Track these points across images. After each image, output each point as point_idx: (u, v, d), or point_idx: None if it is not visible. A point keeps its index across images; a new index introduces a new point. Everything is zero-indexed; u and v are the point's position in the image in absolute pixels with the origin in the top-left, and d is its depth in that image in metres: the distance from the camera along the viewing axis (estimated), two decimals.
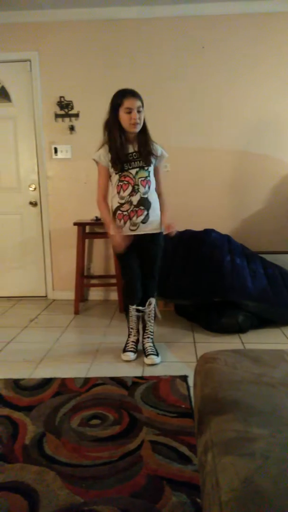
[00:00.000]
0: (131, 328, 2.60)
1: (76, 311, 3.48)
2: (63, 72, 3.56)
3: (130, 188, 2.33)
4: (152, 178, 2.39)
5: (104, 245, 3.82)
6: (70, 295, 3.68)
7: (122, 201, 2.36)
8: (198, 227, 3.39)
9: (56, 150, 3.66)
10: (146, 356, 2.48)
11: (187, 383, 2.16)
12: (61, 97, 3.57)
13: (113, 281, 3.63)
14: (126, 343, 2.59)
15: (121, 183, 2.33)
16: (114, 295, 3.80)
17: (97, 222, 3.53)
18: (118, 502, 1.36)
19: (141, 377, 2.25)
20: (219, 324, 2.92)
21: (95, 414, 1.89)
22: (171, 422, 1.81)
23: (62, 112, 3.60)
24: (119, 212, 2.38)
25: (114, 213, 2.40)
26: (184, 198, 3.67)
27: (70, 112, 3.60)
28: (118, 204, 2.37)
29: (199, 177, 3.66)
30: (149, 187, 2.36)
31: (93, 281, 3.84)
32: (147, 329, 2.58)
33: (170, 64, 3.49)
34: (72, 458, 1.58)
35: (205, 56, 3.46)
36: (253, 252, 3.33)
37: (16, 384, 2.19)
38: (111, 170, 2.35)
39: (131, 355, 2.52)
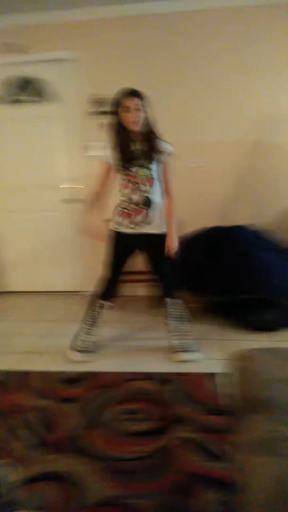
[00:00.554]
0: (88, 325, 2.57)
1: (110, 306, 3.52)
2: (97, 70, 3.59)
3: (131, 186, 2.34)
4: (156, 176, 2.36)
5: None
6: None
7: (123, 199, 2.37)
8: (229, 222, 3.36)
9: (90, 148, 3.71)
10: (176, 353, 2.50)
11: (217, 381, 2.16)
12: (95, 94, 3.60)
13: (144, 277, 3.65)
14: (75, 341, 2.56)
15: (124, 181, 2.35)
16: (143, 291, 3.83)
17: None
18: (152, 496, 1.39)
19: (172, 374, 2.28)
20: (250, 322, 2.90)
21: (129, 409, 1.93)
22: (202, 419, 1.83)
23: (97, 110, 3.64)
24: (119, 209, 2.39)
25: (115, 209, 2.43)
26: (215, 193, 3.65)
27: (104, 110, 3.63)
28: (120, 201, 2.40)
29: (232, 172, 3.62)
30: (151, 186, 2.34)
31: (124, 277, 3.87)
32: (171, 327, 2.58)
33: (207, 60, 3.46)
34: (107, 452, 1.63)
35: (243, 49, 3.41)
36: (285, 248, 3.27)
37: (55, 377, 2.27)
38: (116, 168, 2.36)
39: (79, 356, 2.51)
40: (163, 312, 2.59)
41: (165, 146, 2.38)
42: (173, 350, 2.52)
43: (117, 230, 2.41)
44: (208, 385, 2.13)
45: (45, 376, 2.29)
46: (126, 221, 2.37)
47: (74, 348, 2.54)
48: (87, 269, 4.01)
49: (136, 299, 3.82)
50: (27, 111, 3.79)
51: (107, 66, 3.58)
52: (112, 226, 2.44)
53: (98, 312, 2.55)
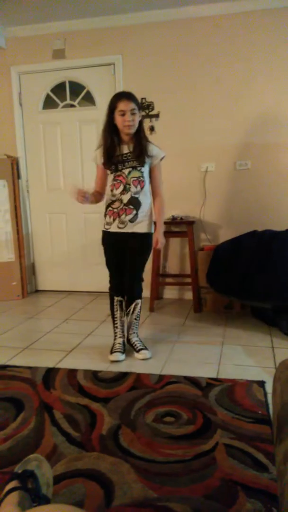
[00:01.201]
0: (117, 327, 2.62)
1: (151, 309, 3.54)
2: (144, 74, 3.63)
3: (121, 187, 2.39)
4: (146, 179, 2.41)
5: (180, 244, 3.83)
6: (146, 292, 3.73)
7: (113, 199, 2.43)
8: (280, 227, 3.26)
9: None
10: (138, 351, 2.54)
11: (264, 389, 2.09)
12: (142, 98, 3.64)
13: (188, 280, 3.62)
14: (114, 345, 2.60)
15: (114, 182, 2.41)
16: (188, 294, 3.79)
17: (174, 221, 3.56)
18: (191, 501, 1.36)
19: (216, 379, 2.23)
20: None
21: (169, 412, 1.91)
22: (247, 427, 1.77)
23: (143, 113, 3.65)
24: (109, 209, 2.46)
25: (106, 209, 2.49)
26: (265, 196, 3.55)
27: (151, 113, 3.66)
28: (110, 201, 2.45)
29: (280, 174, 3.51)
30: (141, 188, 2.40)
31: (168, 280, 3.87)
32: (133, 326, 2.63)
33: (254, 59, 3.39)
34: (146, 453, 1.61)
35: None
36: None
37: (94, 376, 2.29)
38: (106, 168, 2.43)
39: (120, 356, 2.52)
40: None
41: (156, 150, 2.44)
42: (136, 348, 2.56)
43: (108, 230, 2.48)
44: (255, 393, 2.06)
45: (87, 374, 2.31)
46: (116, 221, 2.43)
47: (111, 351, 2.58)
48: None
49: (179, 302, 3.79)
50: (73, 115, 3.90)
51: (154, 70, 3.60)
52: (103, 227, 2.52)
53: (117, 308, 2.61)
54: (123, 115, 2.29)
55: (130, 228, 2.43)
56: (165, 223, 3.61)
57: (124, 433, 1.75)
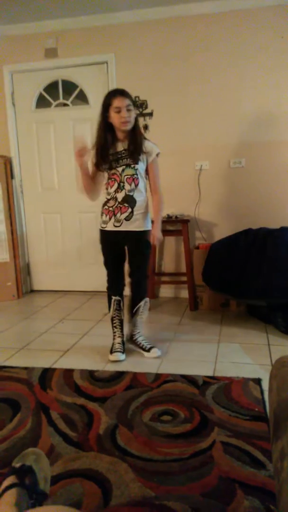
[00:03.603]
0: (116, 326, 2.60)
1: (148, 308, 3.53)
2: (138, 72, 3.62)
3: (116, 185, 2.38)
4: (140, 176, 2.39)
5: (175, 242, 3.83)
6: None
7: (109, 197, 2.43)
8: (274, 224, 3.27)
9: None
10: (148, 350, 2.53)
11: (261, 387, 2.09)
12: (136, 97, 3.63)
13: (184, 278, 3.63)
14: (113, 345, 2.58)
15: (109, 180, 2.40)
16: (184, 293, 3.80)
17: (169, 220, 3.55)
18: (189, 500, 1.36)
19: (212, 377, 2.23)
20: None
21: (166, 410, 1.91)
22: (244, 424, 1.77)
23: (137, 112, 3.64)
24: (105, 207, 2.45)
25: (102, 208, 2.48)
26: (259, 194, 3.55)
27: (145, 112, 3.65)
28: (105, 200, 2.45)
29: (274, 172, 3.52)
30: (136, 185, 2.38)
31: (164, 279, 3.87)
32: (138, 326, 2.61)
33: (247, 58, 3.39)
34: (144, 452, 1.61)
35: (283, 46, 3.32)
36: None
37: (91, 375, 2.29)
38: (102, 167, 2.40)
39: (121, 356, 2.51)
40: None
41: (150, 146, 2.41)
42: (145, 348, 2.55)
43: (104, 229, 2.47)
44: (252, 391, 2.06)
45: (83, 374, 2.30)
46: (112, 219, 2.42)
47: (111, 351, 2.56)
48: None
49: (176, 301, 3.79)
50: (66, 114, 3.88)
51: (147, 68, 3.59)
52: (100, 225, 2.51)
53: (116, 308, 2.59)
54: (118, 111, 2.26)
55: (126, 227, 2.42)
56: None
57: (121, 433, 1.74)
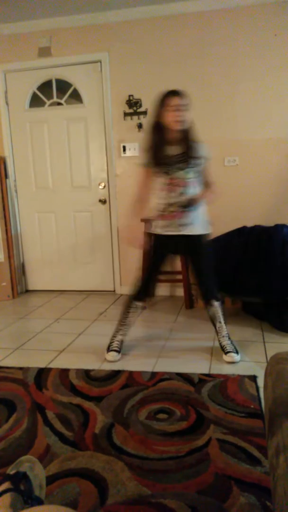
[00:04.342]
0: (124, 325, 2.56)
1: (143, 306, 3.52)
2: (132, 71, 3.61)
3: (173, 189, 2.31)
4: (196, 179, 2.34)
5: None
6: None
7: (162, 201, 2.35)
8: (269, 222, 3.27)
9: (124, 148, 3.73)
10: (226, 353, 2.42)
11: (256, 384, 2.10)
12: (130, 95, 3.62)
13: (179, 277, 3.63)
14: (112, 342, 2.54)
15: (165, 184, 2.32)
16: (180, 291, 3.80)
17: None
18: (185, 497, 1.36)
19: (208, 375, 2.23)
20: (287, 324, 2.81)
21: (162, 409, 1.91)
22: (239, 421, 1.78)
23: (131, 111, 3.65)
24: (161, 212, 2.37)
25: (154, 213, 2.41)
26: (254, 192, 3.56)
27: (139, 110, 3.64)
28: (160, 205, 2.37)
29: (268, 170, 3.53)
30: (190, 188, 2.32)
31: (159, 277, 3.86)
32: (220, 328, 2.52)
33: (241, 56, 3.40)
34: (140, 450, 1.61)
35: (277, 44, 3.32)
36: None
37: (86, 375, 2.28)
38: (155, 171, 2.34)
39: (117, 356, 2.49)
40: (208, 312, 2.53)
41: (203, 148, 2.36)
42: (224, 350, 2.44)
43: (156, 232, 2.41)
44: (247, 388, 2.07)
45: (79, 373, 2.30)
46: (165, 224, 2.37)
47: (109, 348, 2.54)
48: (109, 269, 4.04)
49: (171, 299, 3.79)
50: (60, 113, 3.87)
51: (141, 67, 3.58)
52: (150, 229, 2.44)
53: (133, 313, 2.55)
54: (173, 111, 2.22)
55: (184, 231, 2.36)
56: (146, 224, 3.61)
57: (117, 431, 1.74)
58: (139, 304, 2.53)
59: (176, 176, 2.30)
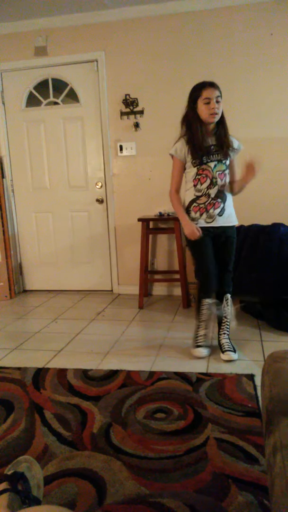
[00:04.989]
0: (202, 320, 2.52)
1: (141, 306, 3.53)
2: (128, 70, 3.61)
3: (208, 181, 2.33)
4: (228, 171, 2.37)
5: (168, 240, 3.83)
6: (135, 289, 3.75)
7: (199, 194, 2.36)
8: (266, 221, 3.28)
9: (121, 148, 3.73)
10: (223, 352, 2.43)
11: (254, 382, 2.10)
12: (126, 95, 3.62)
13: (177, 276, 3.63)
14: (197, 338, 2.52)
15: (199, 176, 2.34)
16: (177, 291, 3.80)
17: (161, 218, 3.55)
18: (183, 496, 1.36)
19: (206, 374, 2.23)
20: (284, 322, 2.80)
21: (160, 408, 1.91)
22: (237, 420, 1.78)
23: (128, 110, 3.65)
24: (195, 204, 2.39)
25: (189, 205, 2.41)
26: (251, 191, 3.56)
27: (135, 110, 3.64)
28: (195, 197, 2.38)
29: (265, 169, 3.53)
30: (226, 180, 2.36)
31: (157, 276, 3.87)
32: (224, 325, 2.52)
33: (237, 55, 3.40)
34: (138, 450, 1.61)
35: (273, 43, 3.33)
36: None
37: (84, 374, 2.28)
38: (189, 163, 2.35)
39: (204, 351, 2.47)
40: (216, 307, 2.52)
41: (236, 143, 2.39)
42: (222, 349, 2.44)
43: (199, 225, 2.39)
44: (245, 387, 2.07)
45: (77, 373, 2.30)
46: (203, 216, 2.38)
47: (195, 345, 2.49)
48: (106, 268, 4.04)
49: (168, 299, 3.79)
50: (57, 113, 3.86)
51: (138, 66, 3.58)
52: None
53: (207, 310, 2.51)
54: (208, 103, 2.22)
55: (219, 222, 2.38)
56: (153, 219, 3.61)
57: (115, 431, 1.75)
58: (208, 300, 2.50)
59: (210, 168, 2.32)
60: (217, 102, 2.23)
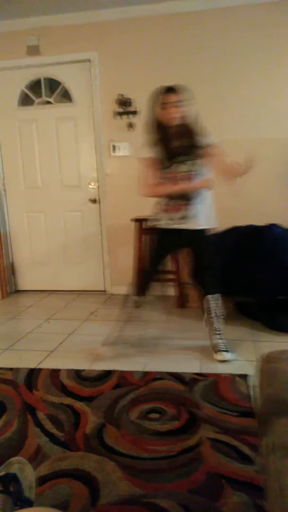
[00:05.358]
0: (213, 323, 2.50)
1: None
2: (122, 70, 3.60)
3: (175, 183, 2.34)
4: (196, 172, 2.35)
5: None
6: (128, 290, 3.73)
7: (167, 195, 2.38)
8: (259, 222, 3.28)
9: (114, 148, 3.71)
10: (217, 352, 2.41)
11: (248, 382, 2.10)
12: (120, 94, 3.61)
13: (171, 276, 3.62)
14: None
15: (167, 178, 2.35)
16: (171, 291, 3.79)
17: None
18: (177, 497, 1.35)
19: (200, 374, 2.23)
20: (281, 323, 2.81)
21: (154, 408, 1.90)
22: (231, 420, 1.78)
23: (121, 110, 3.64)
24: (160, 206, 2.42)
25: (156, 206, 2.45)
26: (246, 192, 3.57)
27: (129, 110, 3.63)
28: (164, 198, 2.40)
29: (260, 169, 3.53)
30: (195, 181, 2.35)
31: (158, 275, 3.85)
32: (212, 323, 2.51)
33: (233, 56, 3.40)
34: (131, 450, 1.60)
35: (271, 45, 3.34)
36: None
37: (77, 375, 2.27)
38: (159, 165, 2.36)
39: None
40: (204, 309, 2.51)
41: (204, 140, 2.36)
42: (215, 349, 2.43)
43: (159, 226, 2.43)
44: (239, 387, 2.07)
45: (70, 373, 2.28)
46: (167, 217, 2.39)
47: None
48: (100, 268, 4.03)
49: (163, 299, 3.78)
50: (49, 112, 3.84)
51: (131, 66, 3.57)
52: (153, 223, 2.47)
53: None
54: (169, 108, 2.25)
55: (187, 224, 2.37)
56: (146, 219, 3.60)
57: (109, 431, 1.73)
58: (136, 298, 2.53)
59: (178, 169, 2.33)
60: (176, 106, 2.26)
